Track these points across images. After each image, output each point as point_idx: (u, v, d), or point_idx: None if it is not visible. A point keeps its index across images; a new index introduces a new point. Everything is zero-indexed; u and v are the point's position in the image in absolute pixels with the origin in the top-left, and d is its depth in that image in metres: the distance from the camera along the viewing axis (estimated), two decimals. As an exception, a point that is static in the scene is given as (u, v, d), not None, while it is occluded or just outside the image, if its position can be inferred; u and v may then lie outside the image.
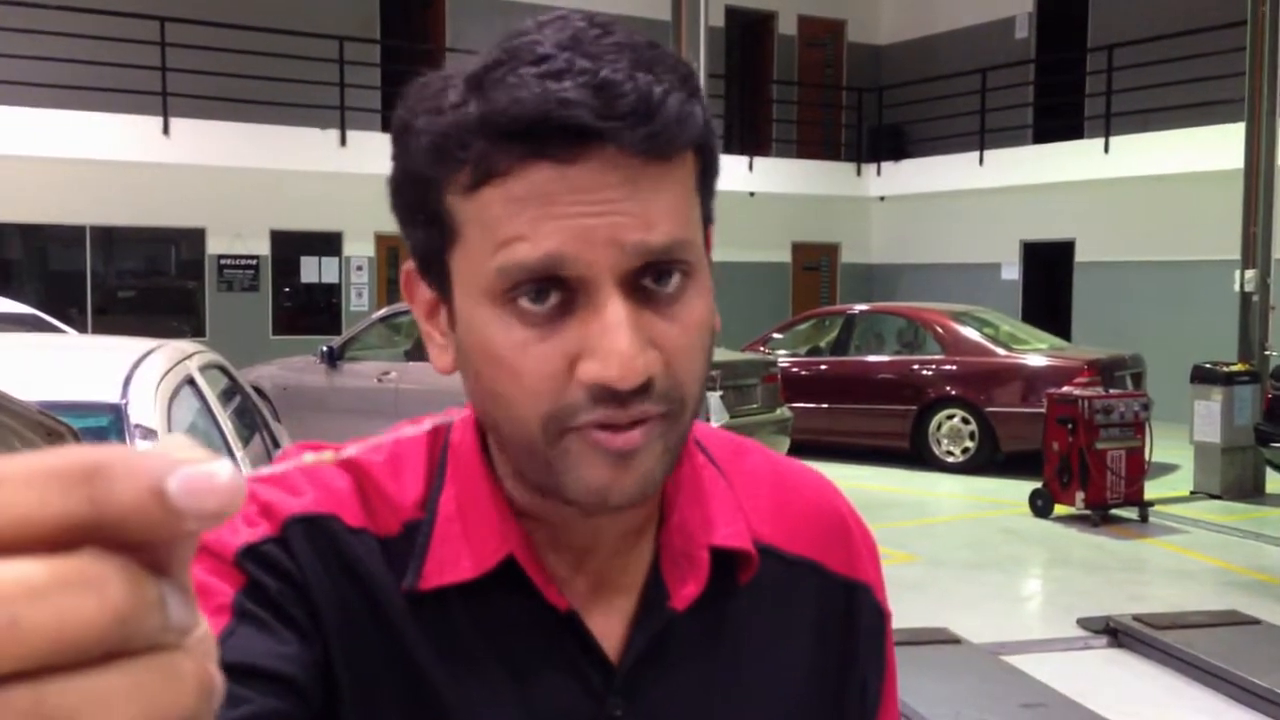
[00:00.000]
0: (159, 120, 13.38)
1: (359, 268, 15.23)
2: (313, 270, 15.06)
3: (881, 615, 0.88)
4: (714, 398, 8.32)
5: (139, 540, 0.28)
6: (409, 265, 0.75)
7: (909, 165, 18.01)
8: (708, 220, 0.74)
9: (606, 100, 0.63)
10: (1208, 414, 9.70)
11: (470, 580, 0.73)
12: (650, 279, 0.67)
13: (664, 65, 0.66)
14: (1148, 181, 14.24)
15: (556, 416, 0.67)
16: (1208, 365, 9.95)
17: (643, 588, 0.77)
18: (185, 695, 0.28)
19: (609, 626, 0.76)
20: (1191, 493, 9.73)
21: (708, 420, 7.68)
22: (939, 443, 11.02)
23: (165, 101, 13.36)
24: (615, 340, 0.65)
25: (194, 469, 0.28)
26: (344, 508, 0.74)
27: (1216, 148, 12.48)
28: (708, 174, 0.71)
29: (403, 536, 0.74)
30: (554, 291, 0.66)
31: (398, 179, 0.70)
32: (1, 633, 0.25)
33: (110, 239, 14.16)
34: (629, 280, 0.66)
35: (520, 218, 0.65)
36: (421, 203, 0.69)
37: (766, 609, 0.81)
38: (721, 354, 9.10)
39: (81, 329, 11.77)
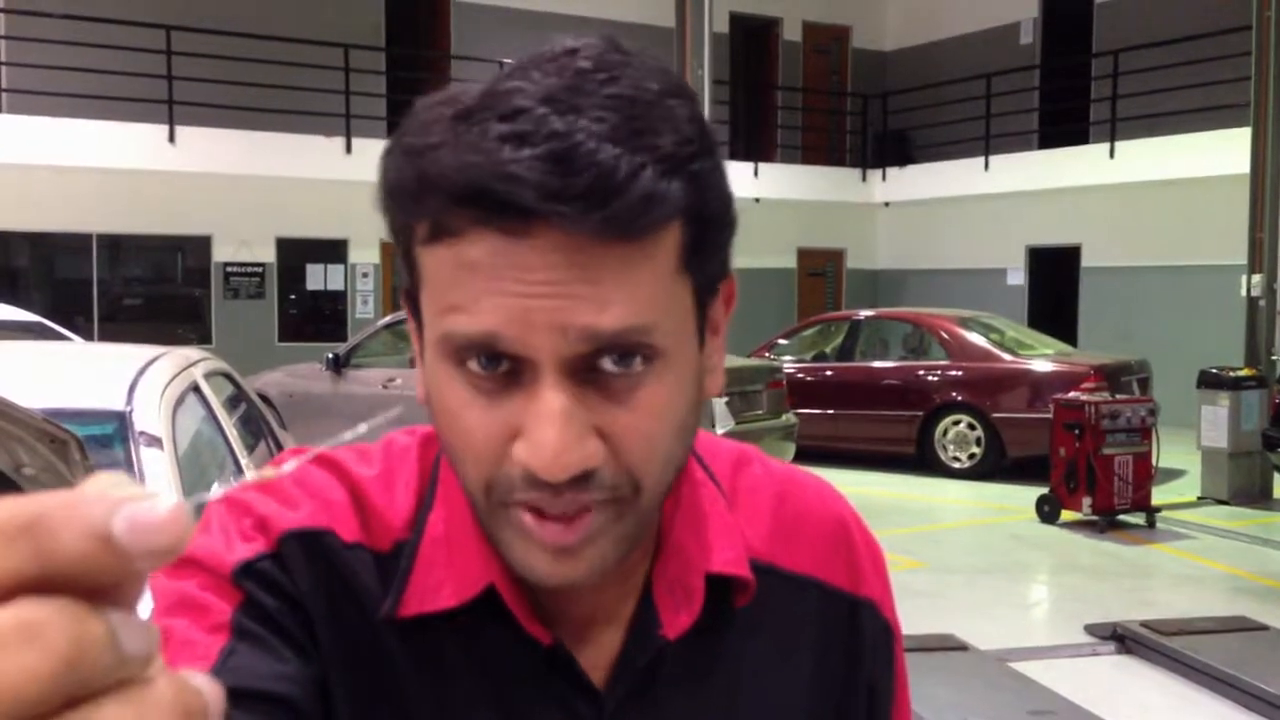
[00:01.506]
0: (165, 128, 13.40)
1: (364, 275, 15.24)
2: (318, 277, 15.08)
3: (889, 631, 0.85)
4: (719, 404, 8.31)
5: (88, 587, 0.27)
6: (404, 292, 0.72)
7: (914, 171, 18.01)
8: (715, 281, 0.70)
9: (560, 177, 0.58)
10: (1215, 419, 9.67)
11: (453, 609, 0.71)
12: (610, 360, 0.63)
13: (664, 124, 0.61)
14: (1153, 186, 14.23)
15: (495, 487, 0.65)
16: (1214, 370, 9.92)
17: (634, 615, 0.75)
18: None
19: (598, 656, 0.74)
20: (1199, 498, 9.70)
21: (712, 427, 7.67)
22: (945, 448, 11.00)
23: (171, 110, 13.39)
24: (546, 431, 0.61)
25: (137, 507, 0.27)
26: (339, 522, 0.72)
27: (1222, 152, 12.47)
28: (703, 244, 0.66)
29: (393, 555, 0.73)
30: (505, 359, 0.63)
31: (380, 204, 0.67)
32: None
33: (116, 247, 14.18)
34: (579, 363, 0.62)
35: (465, 287, 0.62)
36: (396, 237, 0.67)
37: (765, 631, 0.79)
38: (727, 360, 9.07)
39: (88, 336, 11.80)
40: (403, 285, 0.70)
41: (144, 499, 0.27)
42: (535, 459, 0.61)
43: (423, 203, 0.62)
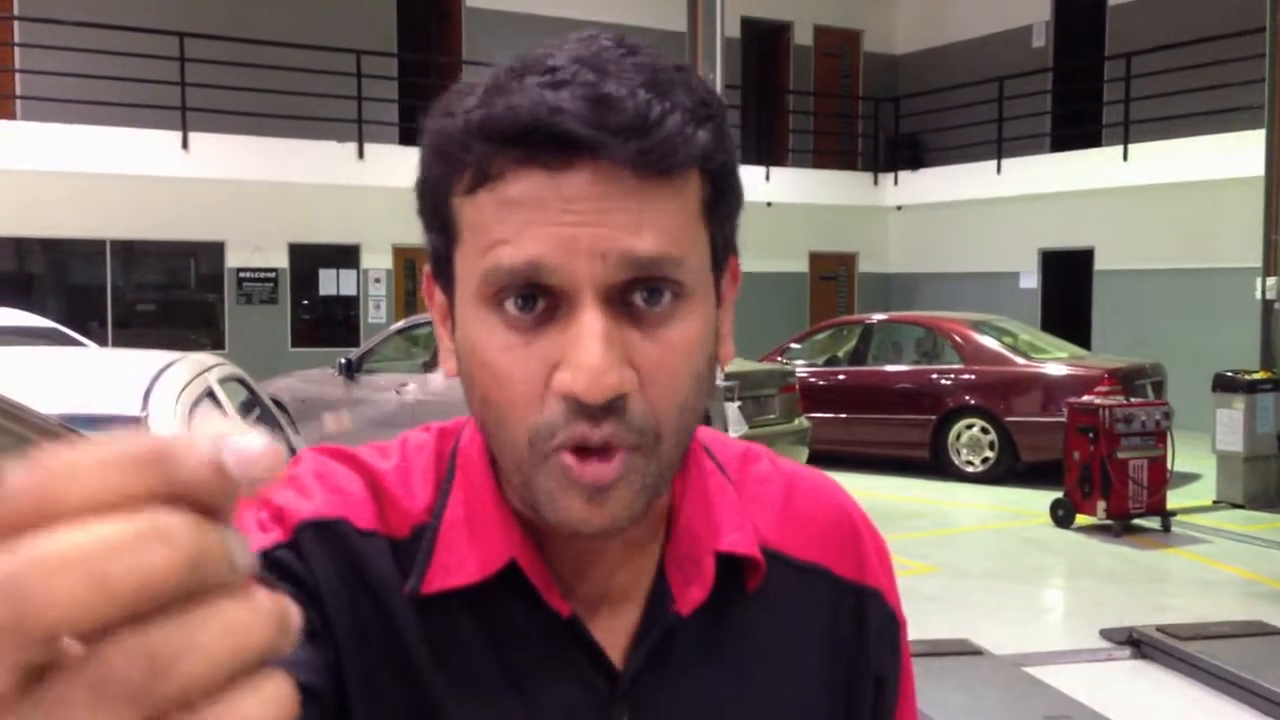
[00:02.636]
0: (178, 135, 13.45)
1: (376, 280, 15.28)
2: (331, 283, 15.12)
3: (894, 620, 0.87)
4: (732, 408, 8.30)
5: (203, 507, 0.31)
6: (428, 269, 0.76)
7: (926, 174, 17.98)
8: (726, 250, 0.73)
9: (601, 113, 0.63)
10: (1230, 423, 9.63)
11: (474, 584, 0.73)
12: (641, 296, 0.67)
13: (681, 89, 0.66)
14: (1167, 189, 14.18)
15: (540, 434, 0.67)
16: (1229, 374, 9.88)
17: (648, 594, 0.77)
18: (268, 627, 0.31)
19: (614, 632, 0.76)
20: (1214, 502, 9.65)
21: (725, 431, 7.65)
22: (959, 452, 10.97)
23: (184, 116, 13.44)
24: (586, 352, 0.64)
25: (239, 441, 0.31)
26: (354, 511, 0.74)
27: (1236, 154, 12.42)
28: (720, 200, 0.70)
29: (413, 539, 0.75)
30: (540, 298, 0.66)
31: (418, 182, 0.72)
32: (95, 588, 0.28)
33: (130, 253, 14.24)
34: (614, 294, 0.66)
35: (508, 222, 0.66)
36: (433, 205, 0.70)
37: (776, 616, 0.81)
38: (739, 364, 9.08)
39: (102, 342, 11.84)
40: (433, 259, 0.73)
41: (244, 435, 0.32)
42: (577, 380, 0.65)
43: (468, 149, 0.66)
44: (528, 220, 0.65)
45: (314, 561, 0.72)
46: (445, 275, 0.72)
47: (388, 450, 0.80)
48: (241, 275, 14.56)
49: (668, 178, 0.66)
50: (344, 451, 0.78)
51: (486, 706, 0.74)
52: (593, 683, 0.75)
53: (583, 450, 0.67)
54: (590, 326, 0.65)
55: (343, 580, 0.72)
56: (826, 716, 0.83)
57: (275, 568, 0.70)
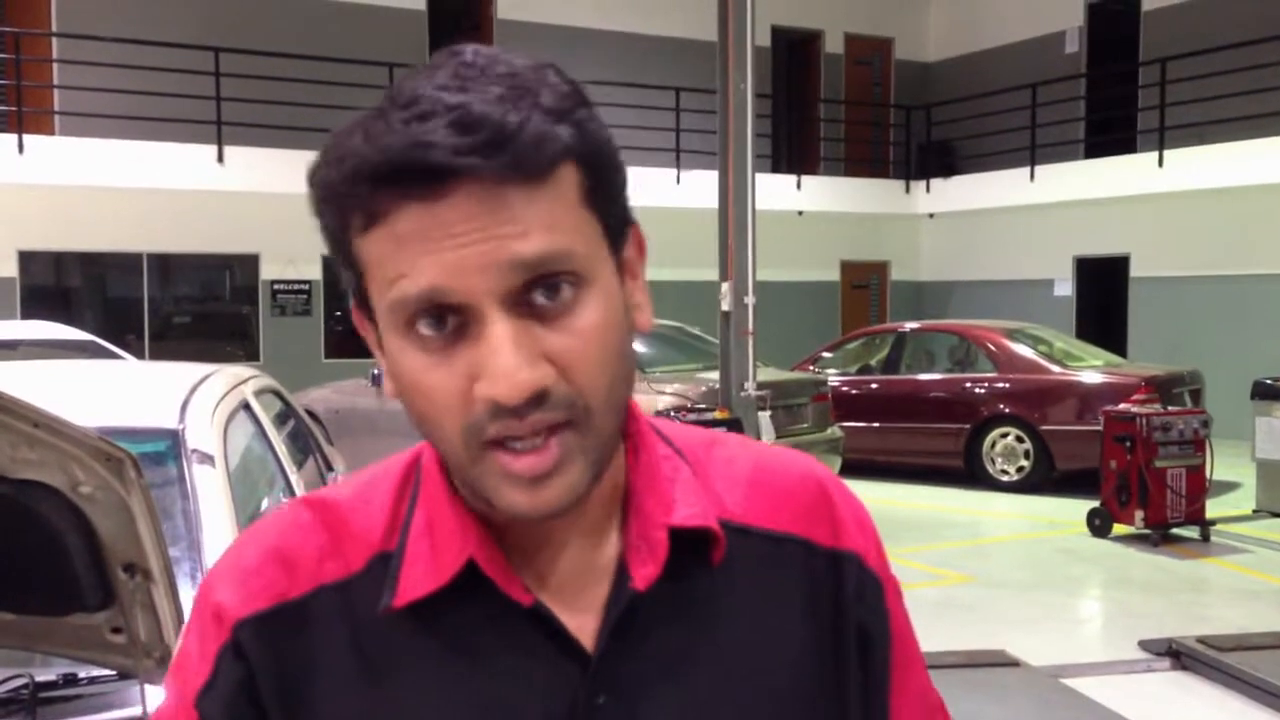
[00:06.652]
0: (213, 149, 13.58)
1: (409, 291, 15.34)
2: (364, 294, 15.20)
3: (878, 581, 0.88)
4: (763, 417, 8.27)
5: None
6: (353, 303, 0.79)
7: (959, 182, 17.89)
8: (621, 225, 0.77)
9: (462, 135, 0.67)
10: (1269, 431, 9.50)
11: (440, 590, 0.77)
12: (540, 294, 0.70)
13: (541, 90, 0.71)
14: (1203, 195, 14.04)
15: (471, 432, 0.71)
16: (1269, 381, 9.75)
17: (613, 576, 0.80)
18: None
19: (584, 618, 0.79)
20: (1254, 511, 9.52)
21: (758, 439, 7.58)
22: (993, 462, 10.89)
23: (219, 130, 13.57)
24: (498, 359, 0.69)
25: None
26: (294, 578, 0.80)
27: (1273, 159, 12.29)
28: (600, 184, 0.74)
29: (367, 571, 0.80)
30: (450, 316, 0.70)
31: (320, 227, 0.75)
32: None
33: (167, 266, 14.38)
34: (514, 298, 0.70)
35: (401, 255, 0.70)
36: (337, 246, 0.75)
37: (749, 586, 0.83)
38: (771, 373, 9.05)
39: (139, 355, 11.96)
40: (352, 293, 0.77)
41: None
42: (495, 387, 0.69)
43: (352, 194, 0.71)
44: (418, 251, 0.69)
45: (252, 655, 0.79)
46: (366, 308, 0.76)
47: (361, 474, 0.86)
48: (276, 287, 14.68)
49: (539, 180, 0.70)
50: (307, 500, 0.84)
51: (459, 708, 0.77)
52: (563, 666, 0.77)
53: (513, 444, 0.71)
54: (498, 335, 0.69)
55: (279, 661, 0.79)
56: (812, 680, 0.84)
57: (215, 702, 0.79)
